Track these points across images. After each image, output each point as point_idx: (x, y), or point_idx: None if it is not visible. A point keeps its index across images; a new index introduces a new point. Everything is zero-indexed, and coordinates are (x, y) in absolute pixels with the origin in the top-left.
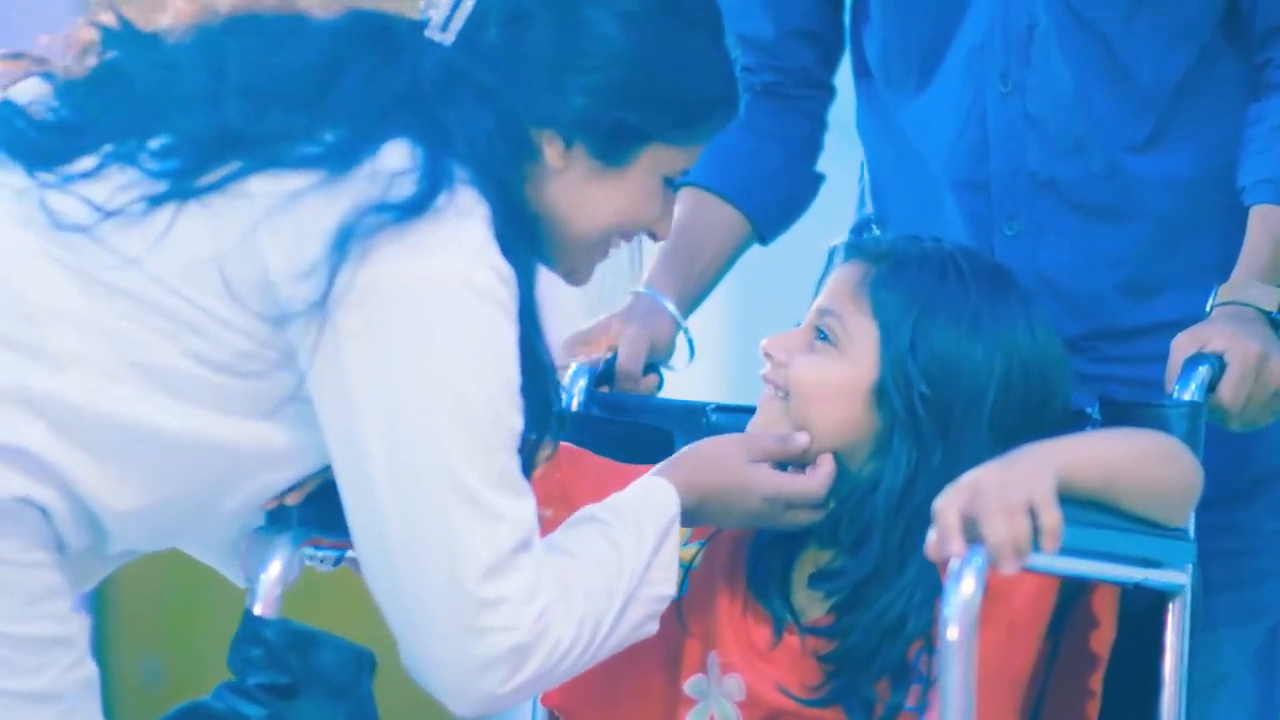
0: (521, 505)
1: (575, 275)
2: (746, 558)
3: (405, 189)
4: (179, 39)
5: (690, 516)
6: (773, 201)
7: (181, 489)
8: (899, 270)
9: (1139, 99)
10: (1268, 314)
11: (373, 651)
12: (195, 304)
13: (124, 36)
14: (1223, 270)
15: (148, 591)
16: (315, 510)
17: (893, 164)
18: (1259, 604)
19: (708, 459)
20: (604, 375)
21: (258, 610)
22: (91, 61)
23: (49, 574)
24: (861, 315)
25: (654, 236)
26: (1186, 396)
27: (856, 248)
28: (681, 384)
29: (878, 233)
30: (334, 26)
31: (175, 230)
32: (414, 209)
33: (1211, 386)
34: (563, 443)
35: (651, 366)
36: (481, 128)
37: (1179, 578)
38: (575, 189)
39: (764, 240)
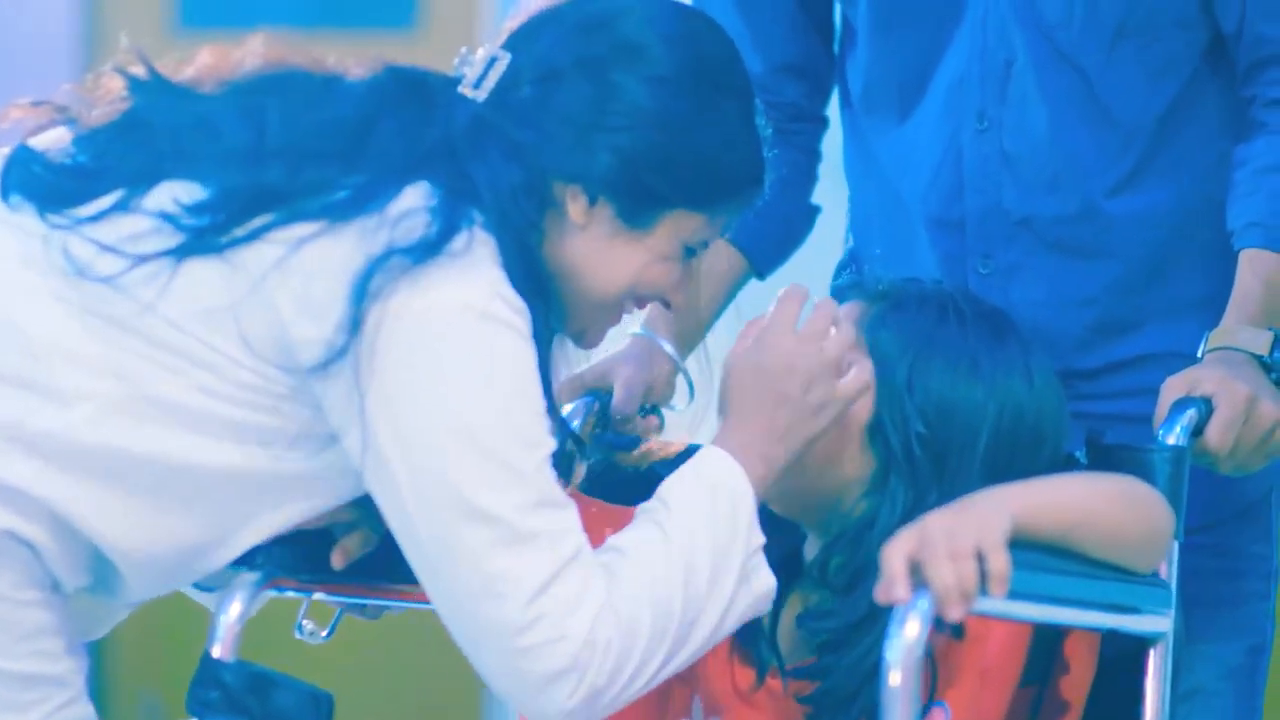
0: (561, 520)
1: (585, 337)
2: None
3: (418, 229)
4: (209, 92)
5: (756, 444)
6: (768, 236)
7: (189, 520)
8: (897, 310)
9: (1119, 135)
10: (1259, 358)
11: (331, 694)
12: (208, 344)
13: (152, 87)
14: (1199, 307)
15: (146, 629)
16: (282, 551)
17: (872, 198)
18: (1239, 624)
19: (738, 382)
20: (600, 418)
21: (216, 652)
22: (115, 110)
23: (40, 612)
24: (858, 354)
25: (667, 305)
26: (1171, 440)
27: (856, 287)
28: (681, 424)
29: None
30: (370, 83)
31: (187, 277)
32: (431, 249)
33: (1200, 430)
34: None
35: (652, 408)
36: (507, 181)
37: (1158, 624)
38: (595, 247)
39: (761, 275)
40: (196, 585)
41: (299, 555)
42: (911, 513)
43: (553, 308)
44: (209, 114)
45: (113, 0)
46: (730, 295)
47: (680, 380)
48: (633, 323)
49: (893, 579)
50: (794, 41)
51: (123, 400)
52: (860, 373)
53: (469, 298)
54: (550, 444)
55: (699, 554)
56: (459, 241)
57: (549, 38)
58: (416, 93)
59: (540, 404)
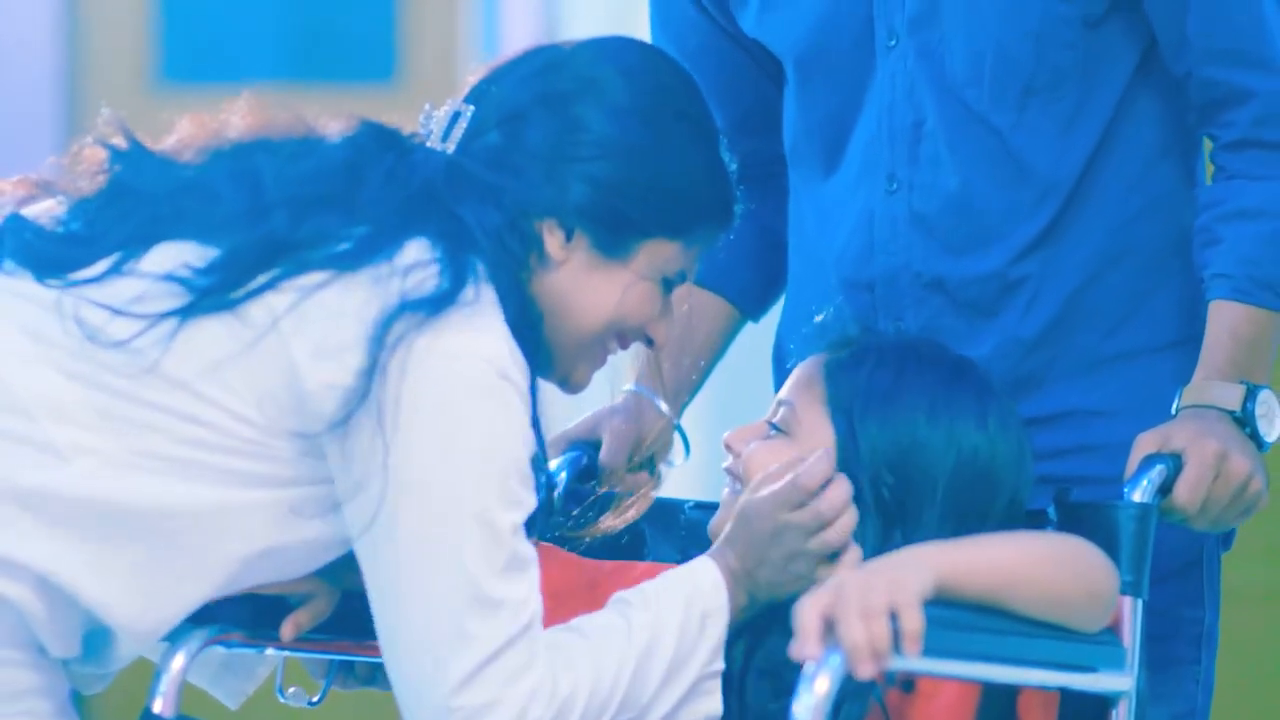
0: (526, 586)
1: (572, 379)
2: None
3: (429, 281)
4: (191, 160)
5: (743, 579)
6: (753, 279)
7: (185, 578)
8: (856, 360)
9: (1035, 191)
10: (1232, 413)
11: None
12: (209, 400)
13: (133, 155)
14: (1114, 361)
15: (129, 692)
16: (234, 608)
17: (798, 253)
18: (1163, 689)
19: (741, 523)
20: (588, 471)
21: (157, 707)
22: (100, 180)
23: (27, 673)
24: (814, 404)
25: (649, 342)
26: (1138, 497)
27: (819, 338)
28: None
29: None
30: (347, 136)
31: (193, 333)
32: (445, 301)
33: (1170, 487)
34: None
35: (646, 464)
36: (491, 223)
37: (1114, 683)
38: (575, 281)
39: (754, 318)
40: None
41: (252, 611)
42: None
43: (542, 349)
44: (200, 178)
45: (95, 55)
46: (724, 344)
47: (677, 436)
48: (626, 380)
49: (805, 635)
50: (750, 95)
51: (118, 455)
52: (841, 530)
53: (488, 352)
54: (530, 503)
55: (656, 657)
56: (469, 292)
57: (509, 83)
58: (392, 144)
59: (528, 466)
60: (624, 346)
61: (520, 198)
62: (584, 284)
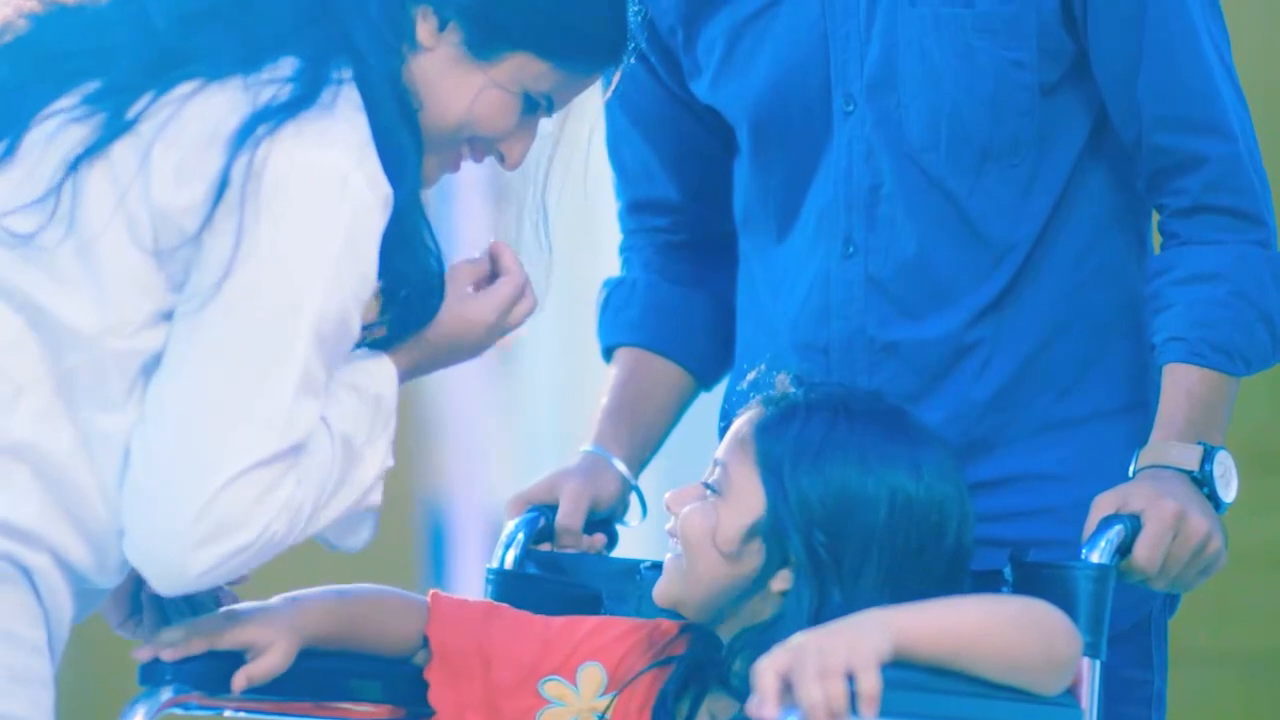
0: (314, 412)
1: (421, 173)
2: (654, 705)
3: (285, 91)
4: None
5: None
6: (708, 348)
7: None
8: (786, 417)
9: (992, 255)
10: (1190, 473)
11: None
12: (117, 269)
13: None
14: (1065, 426)
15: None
16: (193, 667)
17: (749, 320)
18: None
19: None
20: (543, 533)
21: None
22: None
23: (39, 660)
24: (744, 463)
25: (503, 160)
26: (1095, 558)
27: (753, 396)
28: (626, 539)
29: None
30: None
31: (80, 199)
32: (294, 108)
33: (1129, 548)
34: (484, 599)
35: (604, 523)
36: (370, 12)
37: None
38: (437, 71)
39: (708, 386)
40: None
41: (210, 672)
42: (818, 613)
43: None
44: (96, 18)
45: None
46: (680, 410)
47: (634, 497)
48: (584, 440)
49: (764, 696)
50: (705, 164)
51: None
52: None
53: (342, 162)
54: (357, 330)
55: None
56: (326, 95)
57: None
58: None
59: (369, 288)
60: (477, 159)
61: None
62: (445, 76)
